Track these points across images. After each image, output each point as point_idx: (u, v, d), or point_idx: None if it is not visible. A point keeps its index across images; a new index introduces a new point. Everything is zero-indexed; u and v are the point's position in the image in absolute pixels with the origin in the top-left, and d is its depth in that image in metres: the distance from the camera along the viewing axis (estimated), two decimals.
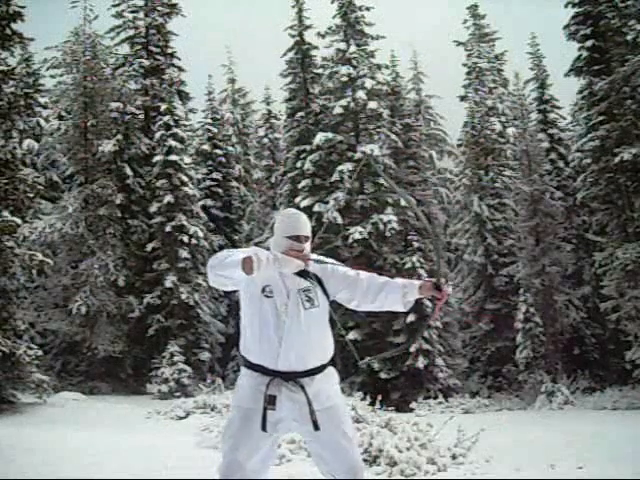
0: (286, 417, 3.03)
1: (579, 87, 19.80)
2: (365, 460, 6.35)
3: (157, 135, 20.70)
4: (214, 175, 25.72)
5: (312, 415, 2.98)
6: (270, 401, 2.99)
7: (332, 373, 3.21)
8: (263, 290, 3.08)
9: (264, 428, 2.96)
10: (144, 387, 18.10)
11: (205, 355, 19.82)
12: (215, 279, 3.00)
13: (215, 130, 26.67)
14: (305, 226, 3.21)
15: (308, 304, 3.11)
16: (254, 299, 3.11)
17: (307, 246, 3.19)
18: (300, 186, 20.95)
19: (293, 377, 3.05)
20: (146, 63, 23.23)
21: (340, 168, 20.11)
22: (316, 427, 2.98)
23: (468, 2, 29.53)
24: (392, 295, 3.16)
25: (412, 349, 18.44)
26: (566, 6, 19.59)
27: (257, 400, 3.02)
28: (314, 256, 3.25)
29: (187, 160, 20.77)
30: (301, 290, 3.12)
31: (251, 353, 3.12)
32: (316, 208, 19.94)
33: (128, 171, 21.13)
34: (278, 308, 3.06)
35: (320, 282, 3.18)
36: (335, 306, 3.28)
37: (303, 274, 3.16)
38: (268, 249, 3.22)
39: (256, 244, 20.33)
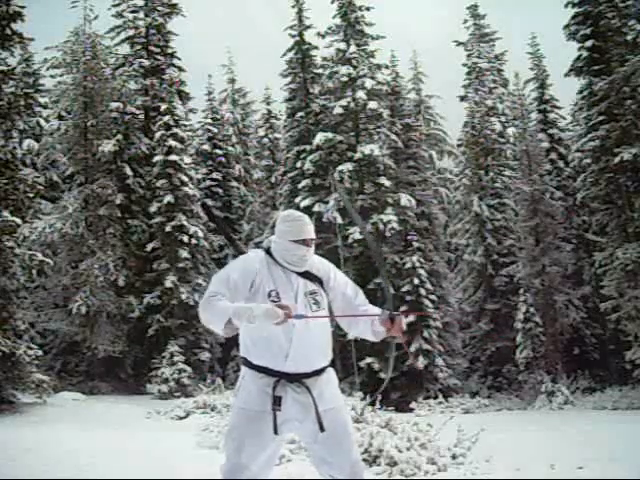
0: (290, 418, 3.03)
1: (579, 87, 19.81)
2: (365, 460, 6.35)
3: (157, 135, 20.69)
4: (214, 175, 25.75)
5: (318, 416, 2.99)
6: (277, 402, 2.98)
7: (332, 374, 3.22)
8: (269, 295, 3.05)
9: (276, 431, 2.94)
10: (144, 387, 18.10)
11: (205, 355, 19.81)
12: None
13: (215, 130, 26.70)
14: (310, 229, 3.22)
15: (315, 307, 3.12)
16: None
17: (312, 249, 3.21)
18: (300, 186, 20.96)
19: (298, 378, 3.05)
20: (146, 63, 23.22)
21: (340, 168, 20.11)
22: (322, 428, 2.97)
23: (468, 2, 29.58)
24: (363, 324, 3.19)
25: (412, 349, 18.47)
26: (566, 6, 19.59)
27: (264, 402, 2.99)
28: (317, 258, 3.26)
29: (187, 160, 20.75)
30: (308, 293, 3.13)
31: (255, 356, 3.09)
32: (316, 208, 19.94)
33: (128, 171, 21.12)
34: None
35: (321, 284, 3.20)
36: None
37: (308, 276, 3.17)
38: (268, 249, 3.22)
39: (256, 244, 20.35)
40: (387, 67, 22.71)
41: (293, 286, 3.11)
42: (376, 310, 3.20)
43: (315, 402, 3.01)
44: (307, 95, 22.82)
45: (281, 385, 3.01)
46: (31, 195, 13.57)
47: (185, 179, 20.43)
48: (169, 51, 23.90)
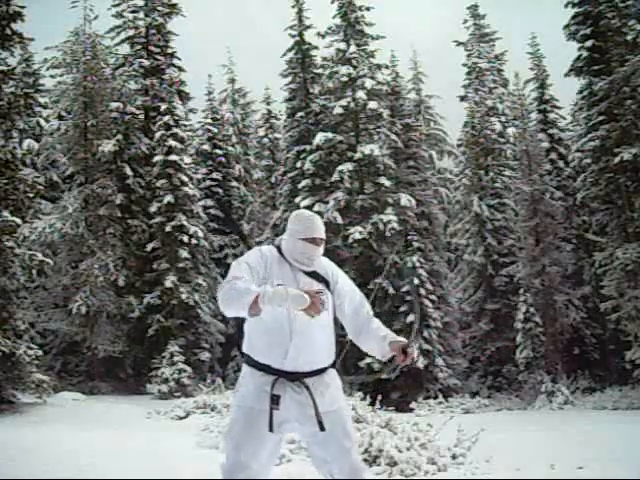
0: (290, 418, 3.02)
1: (579, 87, 19.81)
2: (365, 460, 6.34)
3: (157, 135, 20.69)
4: (214, 175, 25.75)
5: (317, 416, 2.98)
6: (275, 401, 2.98)
7: (335, 375, 3.22)
8: None
9: (271, 429, 2.94)
10: (144, 387, 18.09)
11: (205, 355, 19.81)
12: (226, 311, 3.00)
13: (215, 130, 26.69)
14: (320, 229, 3.21)
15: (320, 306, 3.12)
16: None
17: (321, 249, 3.21)
18: (300, 186, 20.96)
19: (298, 377, 3.05)
20: (146, 63, 23.22)
21: (340, 168, 20.10)
22: (322, 428, 2.97)
23: (468, 2, 29.59)
24: (377, 344, 3.20)
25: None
26: (566, 6, 19.60)
27: (261, 400, 3.00)
28: (325, 260, 3.28)
29: (187, 160, 20.76)
30: (313, 292, 3.13)
31: (257, 352, 3.10)
32: (316, 208, 19.92)
33: (128, 171, 21.12)
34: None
35: (328, 286, 3.21)
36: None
37: (315, 276, 3.18)
38: (278, 247, 3.25)
39: (257, 244, 20.33)
40: (387, 67, 22.70)
41: (299, 284, 3.10)
42: (386, 334, 3.20)
43: (315, 402, 3.00)
44: (307, 95, 22.82)
45: (280, 384, 3.01)
46: (31, 195, 13.57)
47: (185, 179, 20.43)
48: (169, 51, 23.90)
